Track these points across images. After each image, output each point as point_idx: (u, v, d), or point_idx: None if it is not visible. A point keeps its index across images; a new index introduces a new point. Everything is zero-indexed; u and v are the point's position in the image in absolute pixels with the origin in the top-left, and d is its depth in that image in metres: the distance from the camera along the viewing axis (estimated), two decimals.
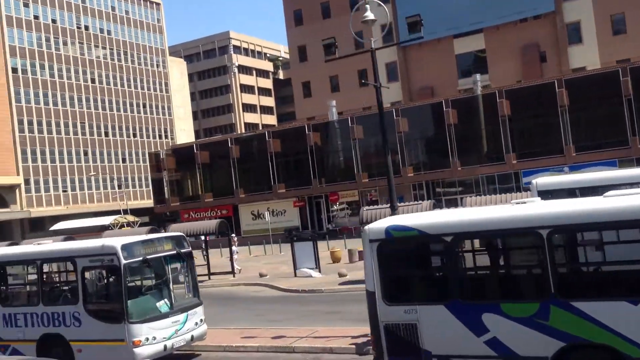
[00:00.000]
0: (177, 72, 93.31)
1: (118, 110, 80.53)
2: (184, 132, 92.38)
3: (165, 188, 54.53)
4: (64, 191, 72.18)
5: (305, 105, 59.60)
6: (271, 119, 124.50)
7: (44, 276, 14.18)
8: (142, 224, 55.35)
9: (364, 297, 10.59)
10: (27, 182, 67.78)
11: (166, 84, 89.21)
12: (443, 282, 10.29)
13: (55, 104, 72.20)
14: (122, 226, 41.69)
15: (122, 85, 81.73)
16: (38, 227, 69.15)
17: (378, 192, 45.53)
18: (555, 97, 38.90)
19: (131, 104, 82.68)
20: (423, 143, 43.48)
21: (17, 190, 66.80)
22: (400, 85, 54.31)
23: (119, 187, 73.87)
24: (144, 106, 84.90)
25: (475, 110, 41.46)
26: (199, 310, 14.22)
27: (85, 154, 75.30)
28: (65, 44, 74.45)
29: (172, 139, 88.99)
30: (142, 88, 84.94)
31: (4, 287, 14.79)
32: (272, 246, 40.42)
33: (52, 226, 70.74)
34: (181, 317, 13.63)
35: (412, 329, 10.00)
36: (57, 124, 72.25)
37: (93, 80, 77.45)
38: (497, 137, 40.46)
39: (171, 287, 13.70)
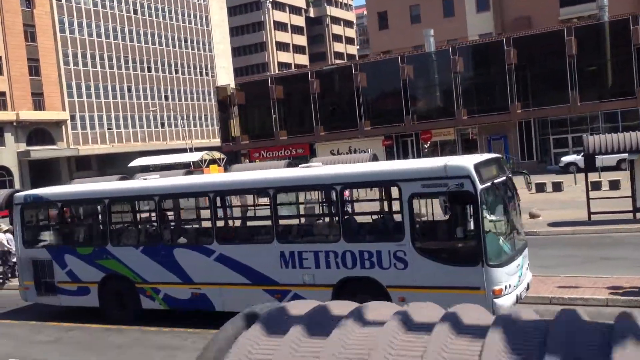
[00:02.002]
0: (217, 5, 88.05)
1: (160, 44, 76.04)
2: (224, 70, 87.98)
3: (234, 125, 51.02)
4: (109, 129, 68.61)
5: (381, 37, 55.45)
6: (303, 59, 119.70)
7: (345, 205, 11.02)
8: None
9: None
10: (72, 118, 64.15)
11: (206, 18, 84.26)
12: None
13: (98, 35, 67.75)
14: (209, 163, 38.55)
15: (164, 17, 76.93)
16: (84, 165, 66.01)
17: (477, 130, 42.19)
18: None
19: (172, 38, 78.09)
20: (536, 76, 39.73)
21: (63, 127, 63.26)
22: (492, 15, 50.11)
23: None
24: (185, 40, 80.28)
25: (600, 40, 37.57)
26: (526, 252, 11.20)
27: (129, 89, 71.35)
28: None
29: (212, 76, 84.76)
30: (183, 21, 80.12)
31: (278, 218, 11.65)
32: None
33: (99, 165, 67.67)
34: (519, 259, 10.62)
35: None
36: (101, 57, 68.01)
37: (135, 11, 72.69)
38: (625, 68, 36.72)
39: (516, 222, 10.60)
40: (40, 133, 60.84)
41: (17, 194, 14.35)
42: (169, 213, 13.89)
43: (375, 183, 10.78)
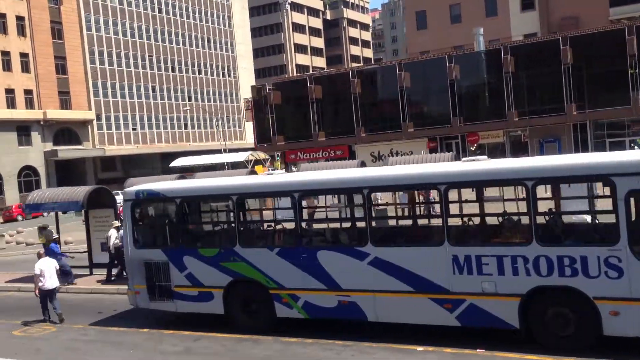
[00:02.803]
0: (239, 5, 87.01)
1: (184, 44, 75.01)
2: (245, 71, 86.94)
3: (269, 126, 49.73)
4: (133, 129, 67.49)
5: (418, 37, 54.21)
6: (321, 62, 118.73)
7: (537, 204, 9.74)
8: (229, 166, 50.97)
9: None
10: (98, 117, 63.01)
11: (229, 18, 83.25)
12: None
13: (124, 33, 66.71)
14: (255, 163, 37.30)
15: (188, 17, 75.92)
16: (109, 166, 64.92)
17: (529, 133, 40.89)
18: None
19: (196, 38, 77.06)
20: (593, 76, 38.39)
21: (89, 127, 62.12)
22: (537, 15, 48.90)
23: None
24: (208, 41, 79.26)
25: None
26: None
27: (153, 90, 70.29)
28: None
29: (234, 77, 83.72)
30: (207, 21, 79.11)
31: (449, 217, 10.35)
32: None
33: (124, 166, 66.49)
34: None
35: None
36: (126, 56, 66.95)
37: (160, 10, 71.67)
38: None
39: None
40: (66, 132, 59.72)
41: (127, 190, 13.06)
42: (309, 211, 12.60)
43: (581, 177, 9.51)
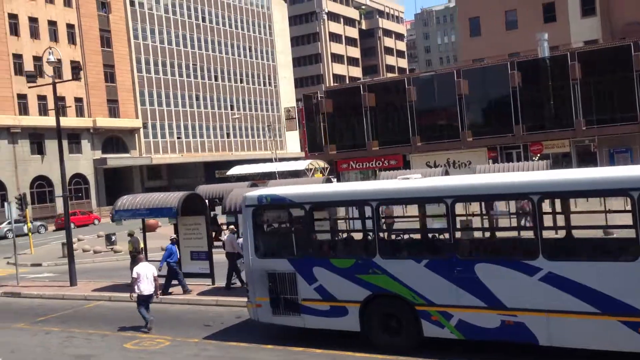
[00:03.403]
0: (279, 14, 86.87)
1: (226, 53, 74.96)
2: (285, 80, 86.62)
3: (321, 135, 48.92)
4: (178, 138, 67.37)
5: (472, 44, 53.05)
6: (357, 71, 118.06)
7: None
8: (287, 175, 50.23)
9: None
10: (144, 126, 63.01)
11: (269, 27, 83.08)
12: None
13: (169, 42, 66.86)
14: (314, 172, 36.56)
15: (230, 25, 75.91)
16: (155, 175, 64.85)
17: (597, 142, 39.35)
18: None
19: (238, 47, 76.98)
20: None
21: (136, 135, 62.13)
22: (598, 20, 47.44)
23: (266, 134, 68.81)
24: (250, 50, 79.13)
25: None
26: None
27: (197, 98, 70.23)
28: None
29: (275, 86, 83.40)
30: (248, 30, 79.03)
31: None
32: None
33: (169, 174, 66.38)
34: None
35: None
36: (171, 65, 67.02)
37: (204, 19, 71.76)
38: None
39: None
40: (114, 141, 59.77)
41: (248, 195, 12.21)
42: (462, 219, 11.59)
43: None
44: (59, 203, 54.17)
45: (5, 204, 21.57)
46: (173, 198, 17.09)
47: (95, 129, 56.99)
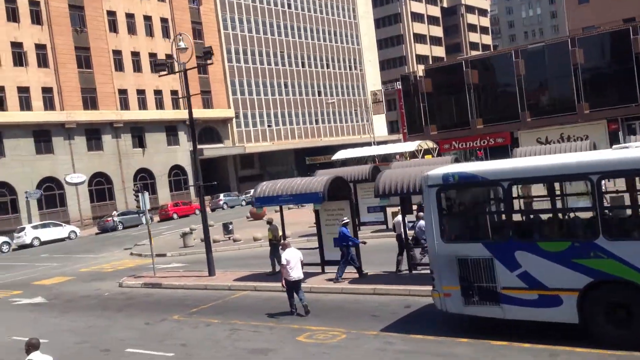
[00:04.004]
0: None
1: (312, 38, 74.17)
2: (370, 64, 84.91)
3: (420, 116, 47.18)
4: (269, 126, 67.39)
5: (580, 12, 49.65)
6: (440, 51, 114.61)
7: None
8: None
9: None
10: (236, 116, 63.33)
11: (353, 10, 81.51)
12: None
13: (257, 31, 66.78)
14: (425, 153, 35.20)
15: (314, 10, 74.97)
16: (248, 163, 65.19)
17: None
18: None
19: (323, 31, 75.97)
20: None
21: (229, 125, 62.59)
22: None
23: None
24: (334, 34, 77.96)
25: None
26: None
27: (285, 85, 69.92)
28: None
29: (360, 70, 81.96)
30: (332, 14, 77.81)
31: None
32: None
33: (261, 163, 66.62)
34: None
35: None
36: (260, 53, 66.95)
37: (289, 5, 71.21)
38: None
39: None
40: (208, 131, 60.42)
41: (430, 174, 11.03)
42: None
43: None
44: (161, 194, 55.44)
45: (139, 194, 21.45)
46: (318, 182, 16.20)
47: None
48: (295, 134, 70.87)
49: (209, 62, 20.84)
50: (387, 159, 48.13)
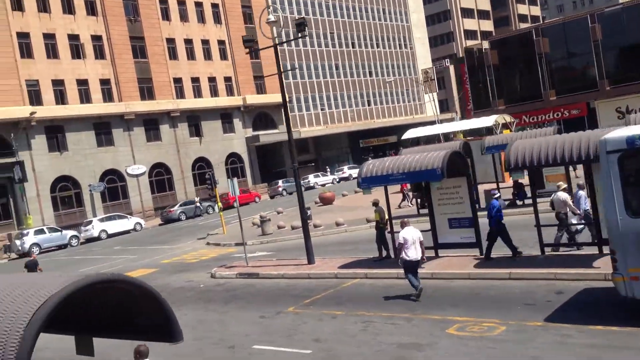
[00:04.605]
0: None
1: (361, 17, 72.21)
2: (419, 41, 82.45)
3: (487, 90, 45.00)
4: (321, 109, 66.03)
5: None
6: (488, 25, 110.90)
7: None
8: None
9: None
10: (289, 100, 62.11)
11: None
12: None
13: (306, 12, 65.24)
14: (503, 128, 33.41)
15: None
16: (303, 149, 63.96)
17: None
18: None
19: (372, 10, 73.86)
20: None
21: (282, 110, 61.37)
22: None
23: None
24: (383, 12, 75.78)
25: None
26: None
27: (337, 67, 68.31)
28: None
29: (410, 48, 79.65)
30: None
31: None
32: None
33: (315, 147, 65.42)
34: None
35: None
36: (310, 35, 65.40)
37: None
38: None
39: None
40: (262, 117, 59.46)
41: (609, 137, 9.47)
42: None
43: None
44: (220, 183, 54.73)
45: (228, 180, 20.42)
46: (434, 158, 14.74)
47: (246, 107, 56.82)
48: (348, 116, 69.32)
49: (303, 34, 19.27)
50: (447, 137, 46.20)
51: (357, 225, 25.32)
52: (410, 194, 28.32)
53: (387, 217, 16.74)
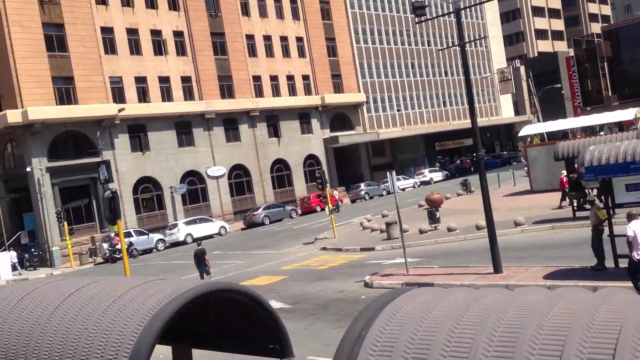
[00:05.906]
0: None
1: (436, 13, 68.99)
2: (494, 40, 78.57)
3: (599, 84, 41.13)
4: (397, 110, 62.97)
5: None
6: (559, 24, 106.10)
7: None
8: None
9: None
10: (365, 101, 59.34)
11: None
12: None
13: (383, 9, 62.51)
14: None
15: None
16: (379, 151, 61.03)
17: None
18: None
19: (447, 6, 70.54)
20: None
21: (359, 110, 58.68)
22: None
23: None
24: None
25: None
26: None
27: (412, 66, 65.26)
28: None
29: (485, 47, 75.90)
30: None
31: None
32: None
33: (392, 149, 62.36)
34: None
35: None
36: (386, 32, 62.67)
37: None
38: None
39: None
40: (340, 118, 56.82)
41: None
42: None
43: None
44: (297, 186, 52.32)
45: (388, 173, 17.58)
46: None
47: (323, 107, 54.23)
48: (424, 117, 66.10)
49: None
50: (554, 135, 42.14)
51: (499, 230, 22.14)
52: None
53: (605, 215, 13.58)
